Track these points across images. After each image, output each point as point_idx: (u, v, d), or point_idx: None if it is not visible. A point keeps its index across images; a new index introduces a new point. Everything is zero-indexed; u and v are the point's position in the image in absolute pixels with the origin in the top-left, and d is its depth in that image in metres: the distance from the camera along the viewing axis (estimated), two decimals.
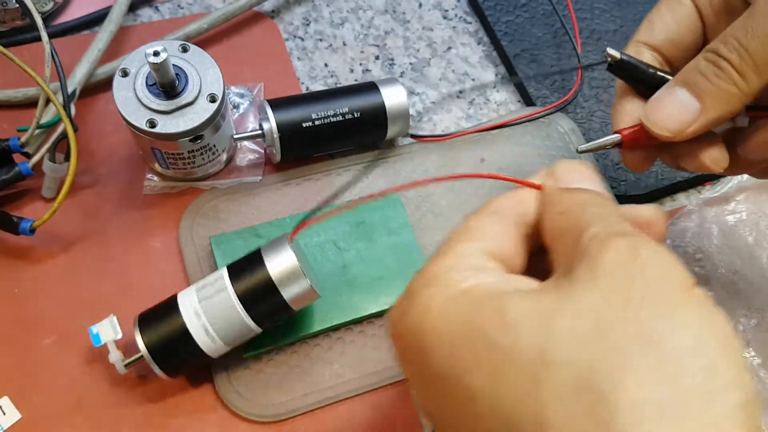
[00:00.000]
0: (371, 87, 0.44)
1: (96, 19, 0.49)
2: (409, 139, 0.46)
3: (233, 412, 0.37)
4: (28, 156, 0.41)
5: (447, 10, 0.53)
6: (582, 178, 0.27)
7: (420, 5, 0.53)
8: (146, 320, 0.35)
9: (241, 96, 0.46)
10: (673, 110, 0.31)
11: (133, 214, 0.42)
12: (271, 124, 0.41)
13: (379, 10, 0.52)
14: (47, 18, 0.48)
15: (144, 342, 0.35)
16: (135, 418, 0.37)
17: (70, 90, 0.42)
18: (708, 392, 0.19)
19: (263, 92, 0.47)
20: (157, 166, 0.42)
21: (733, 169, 0.35)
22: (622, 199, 0.46)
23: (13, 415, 0.36)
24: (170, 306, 0.35)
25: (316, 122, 0.42)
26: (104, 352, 0.36)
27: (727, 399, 0.19)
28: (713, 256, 0.44)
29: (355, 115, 0.43)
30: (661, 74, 0.33)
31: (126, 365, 0.35)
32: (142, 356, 0.35)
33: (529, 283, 0.24)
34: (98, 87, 0.45)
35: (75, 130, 0.39)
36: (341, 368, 0.39)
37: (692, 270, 0.43)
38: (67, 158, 0.40)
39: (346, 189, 0.42)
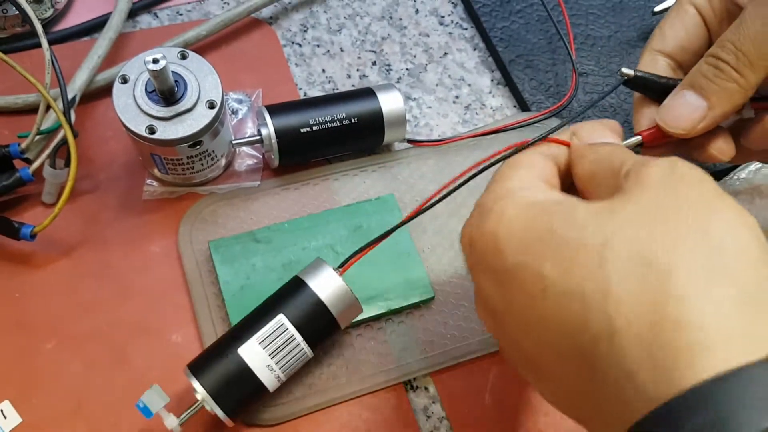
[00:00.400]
0: (368, 92, 0.44)
1: (95, 26, 0.49)
2: (405, 144, 0.47)
3: None
4: (29, 162, 0.41)
5: (443, 17, 0.53)
6: (604, 135, 0.32)
7: (416, 11, 0.53)
8: (202, 371, 0.35)
9: (240, 102, 0.46)
10: (684, 111, 0.34)
11: (132, 219, 0.43)
12: (269, 129, 0.42)
13: (376, 17, 0.53)
14: (47, 25, 0.49)
15: (207, 390, 0.34)
16: (134, 420, 0.37)
17: (70, 96, 0.42)
18: (744, 264, 0.23)
19: (261, 98, 0.47)
20: (156, 171, 0.42)
21: (741, 157, 0.38)
22: None
23: (13, 418, 0.37)
24: (234, 361, 0.34)
25: (314, 128, 0.42)
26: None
27: (759, 270, 0.23)
28: None
29: (353, 121, 0.43)
30: (671, 82, 0.37)
31: (182, 422, 0.34)
32: (201, 405, 0.34)
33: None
34: (98, 93, 0.46)
35: (75, 136, 0.40)
36: (338, 371, 0.39)
37: None
38: (68, 164, 0.40)
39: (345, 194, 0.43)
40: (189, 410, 0.35)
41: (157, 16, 0.51)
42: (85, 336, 0.39)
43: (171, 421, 0.34)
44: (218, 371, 0.34)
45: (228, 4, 0.52)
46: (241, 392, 0.35)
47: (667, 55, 0.39)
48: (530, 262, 0.26)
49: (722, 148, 0.36)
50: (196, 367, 0.35)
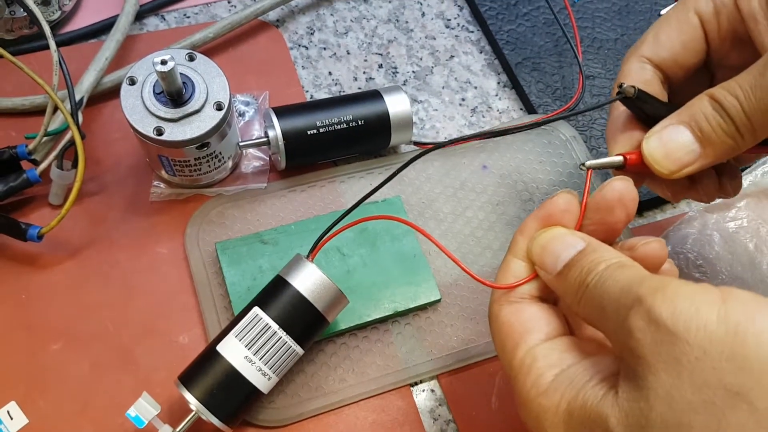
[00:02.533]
0: (375, 95, 0.44)
1: (103, 28, 0.49)
2: (412, 146, 0.47)
3: None
4: (36, 163, 0.41)
5: (450, 20, 0.53)
6: (563, 249, 0.30)
7: (423, 14, 0.53)
8: (191, 379, 0.34)
9: (247, 104, 0.46)
10: (676, 150, 0.31)
11: (139, 220, 0.43)
12: (276, 131, 0.42)
13: (382, 20, 0.53)
14: (55, 26, 0.49)
15: (197, 398, 0.34)
16: None
17: (77, 98, 0.42)
18: None
19: (268, 100, 0.47)
20: (163, 173, 0.42)
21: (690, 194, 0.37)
22: None
23: (20, 419, 0.37)
24: (214, 359, 0.34)
25: (321, 130, 0.42)
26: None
27: None
28: (714, 263, 0.44)
29: (359, 123, 0.43)
30: (667, 107, 0.33)
31: None
32: (197, 415, 0.34)
33: (597, 369, 0.27)
34: (105, 95, 0.46)
35: (82, 137, 0.40)
36: (345, 373, 0.39)
37: (693, 276, 0.43)
38: (75, 165, 0.40)
39: (350, 197, 0.43)
40: (185, 422, 0.35)
41: (164, 19, 0.51)
42: (92, 337, 0.39)
43: (165, 430, 0.34)
44: (204, 376, 0.34)
45: (235, 7, 0.52)
46: (231, 394, 0.34)
47: (657, 66, 0.35)
48: None
49: (708, 192, 0.35)
50: (186, 378, 0.35)
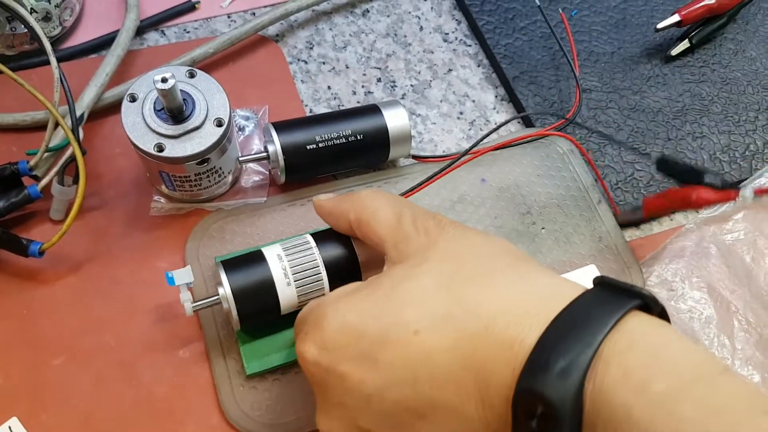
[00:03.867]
0: (373, 109, 0.44)
1: (103, 43, 0.50)
2: (410, 160, 0.47)
3: None
4: (37, 179, 0.41)
5: (447, 33, 0.54)
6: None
7: (421, 28, 0.54)
8: (231, 268, 0.36)
9: (247, 119, 0.47)
10: None
11: (140, 235, 0.43)
12: (276, 146, 0.42)
13: (380, 34, 0.53)
14: (55, 42, 0.49)
15: (231, 287, 0.36)
16: None
17: (78, 114, 0.43)
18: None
19: (268, 115, 0.48)
20: (164, 188, 0.42)
21: None
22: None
23: None
24: (256, 261, 0.36)
25: (320, 144, 0.43)
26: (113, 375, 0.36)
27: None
28: (711, 275, 0.44)
29: (358, 137, 0.43)
30: (696, 168, 0.41)
31: (196, 309, 0.37)
32: (218, 300, 0.37)
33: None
34: (106, 110, 0.46)
35: (83, 153, 0.40)
36: None
37: (691, 287, 0.44)
38: (76, 181, 0.41)
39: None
40: (207, 300, 0.37)
41: (165, 34, 0.51)
42: (93, 352, 0.39)
43: (186, 296, 0.36)
44: (242, 271, 0.36)
45: (235, 21, 0.52)
46: (257, 297, 0.36)
47: None
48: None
49: None
50: (227, 264, 0.37)
